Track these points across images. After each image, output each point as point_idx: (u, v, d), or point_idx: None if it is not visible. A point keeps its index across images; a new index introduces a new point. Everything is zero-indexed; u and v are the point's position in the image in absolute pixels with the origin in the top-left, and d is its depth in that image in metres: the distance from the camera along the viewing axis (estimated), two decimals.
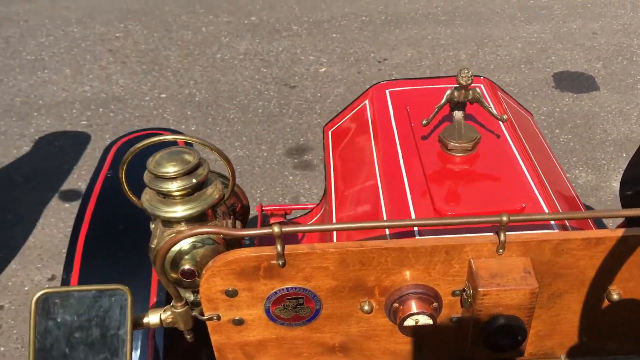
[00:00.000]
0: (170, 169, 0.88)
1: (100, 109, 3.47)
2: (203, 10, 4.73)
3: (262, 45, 4.15)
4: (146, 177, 0.90)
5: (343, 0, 4.85)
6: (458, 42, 4.15)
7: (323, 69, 3.85)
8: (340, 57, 3.98)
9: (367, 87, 3.72)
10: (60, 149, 3.13)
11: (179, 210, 0.90)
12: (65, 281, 1.23)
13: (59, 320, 0.93)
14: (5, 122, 3.35)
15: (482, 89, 1.37)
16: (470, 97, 1.11)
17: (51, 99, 3.58)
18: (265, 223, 1.88)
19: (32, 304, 0.90)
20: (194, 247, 0.92)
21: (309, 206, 1.87)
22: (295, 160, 3.02)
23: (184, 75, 3.80)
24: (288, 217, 1.94)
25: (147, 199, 0.92)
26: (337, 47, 4.11)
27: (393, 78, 3.67)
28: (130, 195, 0.93)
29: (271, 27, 4.42)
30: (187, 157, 0.90)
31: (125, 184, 0.92)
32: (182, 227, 0.92)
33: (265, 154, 3.07)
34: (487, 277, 0.83)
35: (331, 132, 1.44)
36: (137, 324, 0.94)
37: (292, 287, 0.87)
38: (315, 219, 1.57)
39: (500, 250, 0.84)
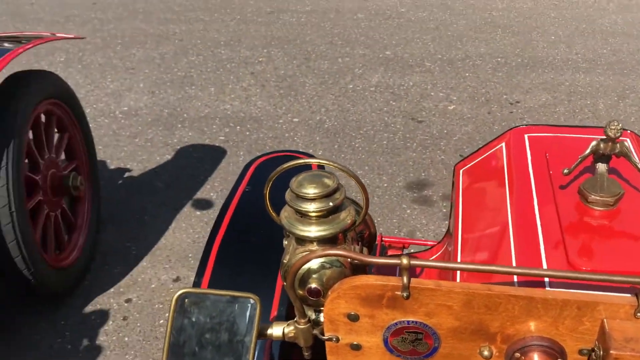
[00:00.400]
0: (311, 191, 0.93)
1: (238, 127, 3.68)
2: (341, 42, 4.89)
3: (393, 78, 4.22)
4: (287, 195, 0.95)
5: (479, 40, 4.81)
6: (597, 91, 3.97)
7: (452, 107, 3.83)
8: (471, 96, 3.94)
9: (497, 128, 3.65)
10: (198, 160, 3.35)
11: (313, 230, 0.94)
12: (197, 284, 1.31)
13: (193, 319, 0.99)
14: (152, 130, 3.65)
15: (629, 143, 1.31)
16: (617, 151, 1.07)
17: (195, 113, 3.85)
18: (383, 253, 1.89)
19: (172, 301, 0.97)
20: (322, 267, 0.95)
21: (429, 243, 1.85)
22: (415, 195, 3.02)
23: (317, 102, 3.95)
24: (405, 250, 1.95)
25: (285, 216, 0.97)
26: (468, 86, 4.08)
27: (525, 122, 3.57)
28: (271, 211, 0.99)
29: (404, 62, 4.48)
30: (327, 181, 0.94)
31: (268, 200, 0.98)
32: (314, 246, 0.96)
33: (385, 184, 3.09)
34: (621, 340, 0.79)
35: (462, 171, 1.44)
36: (261, 333, 0.98)
37: (413, 321, 0.87)
38: (435, 256, 1.56)
39: (639, 314, 0.80)
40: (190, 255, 2.64)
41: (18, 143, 2.00)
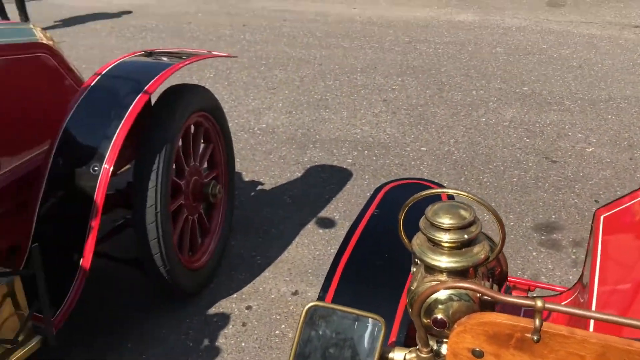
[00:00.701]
0: (446, 221, 0.93)
1: (366, 152, 3.74)
2: (477, 74, 4.83)
3: (529, 115, 4.09)
4: (422, 223, 0.97)
5: (625, 82, 4.54)
6: None
7: (590, 149, 3.64)
8: (612, 140, 3.72)
9: (639, 175, 3.42)
10: (325, 180, 3.44)
11: (444, 261, 0.95)
12: (321, 298, 1.35)
13: (320, 332, 1.02)
14: (286, 148, 3.81)
15: None
16: None
17: (326, 135, 3.97)
18: (507, 293, 1.83)
19: (303, 312, 1.01)
20: (450, 299, 0.95)
21: (557, 288, 1.78)
22: (543, 237, 2.89)
23: (447, 133, 3.92)
24: (530, 293, 1.88)
25: (417, 243, 0.99)
26: (610, 129, 3.85)
27: None
28: (403, 237, 1.01)
29: (542, 99, 4.33)
30: (464, 212, 0.94)
31: (402, 225, 1.00)
32: (443, 277, 0.96)
33: (512, 223, 2.99)
34: None
35: (604, 217, 1.37)
36: (382, 357, 1.00)
37: None
38: (565, 303, 1.49)
39: None
40: (310, 270, 2.71)
41: (169, 150, 2.18)
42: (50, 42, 2.31)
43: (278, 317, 2.46)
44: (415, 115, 4.18)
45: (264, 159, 3.69)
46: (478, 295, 0.93)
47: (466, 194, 0.95)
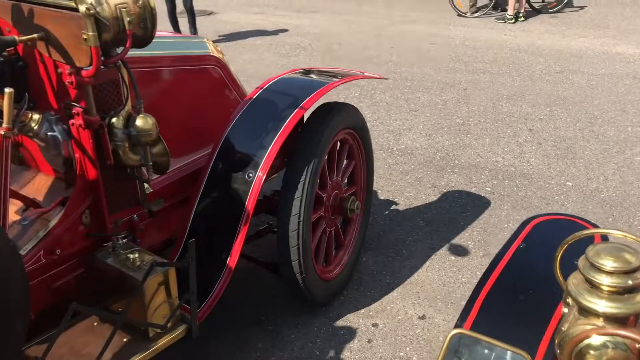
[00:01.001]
0: (609, 263, 0.90)
1: (506, 181, 3.64)
2: (634, 110, 4.53)
3: None
4: (581, 262, 0.94)
5: None
6: None
7: None
8: None
9: None
10: (461, 206, 3.39)
11: (602, 305, 0.91)
12: (458, 326, 1.35)
13: None
14: (423, 170, 3.81)
15: None
16: None
17: (466, 160, 3.92)
18: None
19: (447, 338, 1.03)
20: (604, 345, 0.91)
21: None
22: None
23: (596, 169, 3.71)
24: None
25: (574, 283, 0.96)
26: None
27: None
28: (559, 274, 0.99)
29: None
30: (629, 257, 0.90)
31: (558, 263, 0.98)
32: (599, 322, 0.93)
33: None
34: None
35: None
36: None
37: None
38: None
39: None
40: (439, 296, 2.68)
41: (317, 163, 2.28)
42: (220, 56, 2.51)
43: (403, 338, 2.46)
44: (563, 148, 3.99)
45: (400, 179, 3.71)
46: (637, 346, 0.89)
47: (635, 237, 0.92)
